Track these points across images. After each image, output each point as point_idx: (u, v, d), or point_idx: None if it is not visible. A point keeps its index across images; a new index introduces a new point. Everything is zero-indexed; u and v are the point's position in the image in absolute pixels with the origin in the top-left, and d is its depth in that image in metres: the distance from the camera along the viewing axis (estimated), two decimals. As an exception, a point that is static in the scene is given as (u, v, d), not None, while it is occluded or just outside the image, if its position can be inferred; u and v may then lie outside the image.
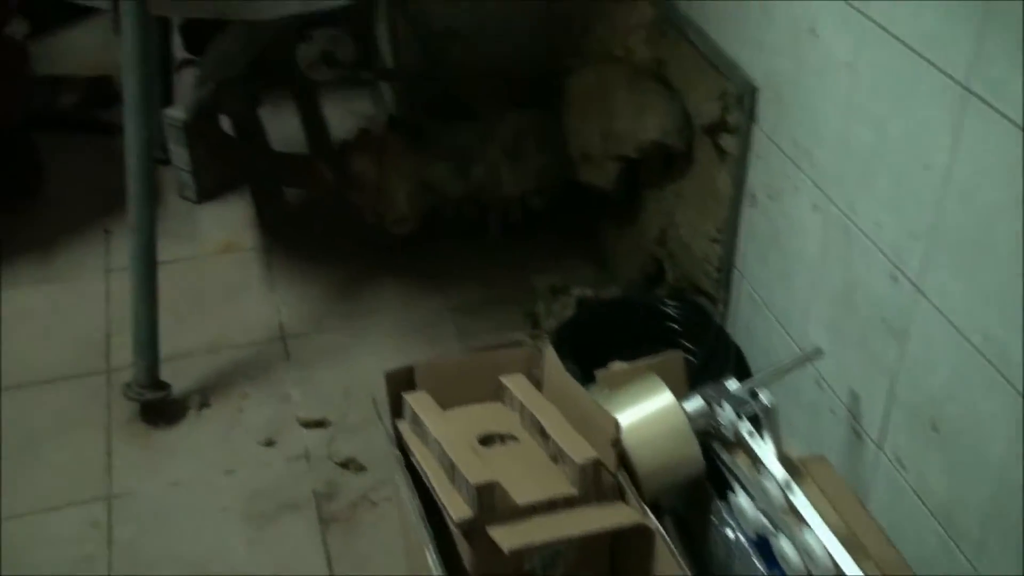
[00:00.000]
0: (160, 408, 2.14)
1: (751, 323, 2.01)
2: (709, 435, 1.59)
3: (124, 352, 2.21)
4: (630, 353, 2.03)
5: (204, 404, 2.18)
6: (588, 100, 2.27)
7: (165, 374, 2.16)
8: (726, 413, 1.54)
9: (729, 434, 1.54)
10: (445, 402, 1.62)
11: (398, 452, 1.58)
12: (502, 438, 1.57)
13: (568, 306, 2.31)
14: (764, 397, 1.52)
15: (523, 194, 2.42)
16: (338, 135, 2.81)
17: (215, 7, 1.98)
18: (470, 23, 2.66)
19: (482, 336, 2.31)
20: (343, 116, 2.98)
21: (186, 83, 2.67)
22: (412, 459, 1.57)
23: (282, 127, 2.80)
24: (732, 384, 1.59)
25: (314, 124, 2.58)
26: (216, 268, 2.58)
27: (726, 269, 2.06)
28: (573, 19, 2.50)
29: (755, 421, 1.55)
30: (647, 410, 1.56)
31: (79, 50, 3.38)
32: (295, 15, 2.16)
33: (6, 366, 2.28)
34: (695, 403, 1.59)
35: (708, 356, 1.96)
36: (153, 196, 2.08)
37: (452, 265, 2.53)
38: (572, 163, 2.34)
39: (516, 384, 1.62)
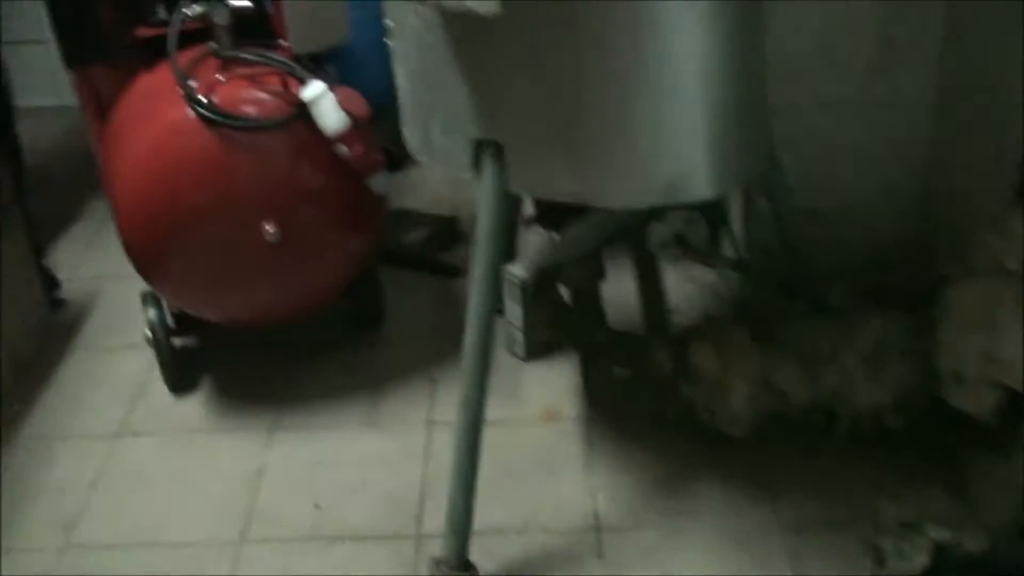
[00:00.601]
0: (474, 594, 2.05)
1: None
2: None
3: (435, 517, 2.15)
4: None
5: (509, 595, 2.07)
6: (970, 315, 2.00)
7: (472, 549, 2.07)
8: None
9: None
10: None
11: None
12: None
13: (920, 548, 2.00)
14: None
15: (878, 407, 2.17)
16: (673, 298, 2.67)
17: (577, 193, 1.90)
18: (835, 203, 2.45)
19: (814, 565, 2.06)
20: (680, 280, 2.86)
21: (531, 240, 2.63)
22: None
23: (618, 291, 2.70)
24: None
25: (654, 302, 2.46)
26: (535, 437, 2.48)
27: None
28: (957, 217, 2.24)
29: None
30: None
31: (430, 188, 3.48)
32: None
33: (324, 515, 2.29)
34: None
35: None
36: (488, 373, 2.03)
37: (786, 472, 2.28)
38: (941, 381, 2.07)
39: None
